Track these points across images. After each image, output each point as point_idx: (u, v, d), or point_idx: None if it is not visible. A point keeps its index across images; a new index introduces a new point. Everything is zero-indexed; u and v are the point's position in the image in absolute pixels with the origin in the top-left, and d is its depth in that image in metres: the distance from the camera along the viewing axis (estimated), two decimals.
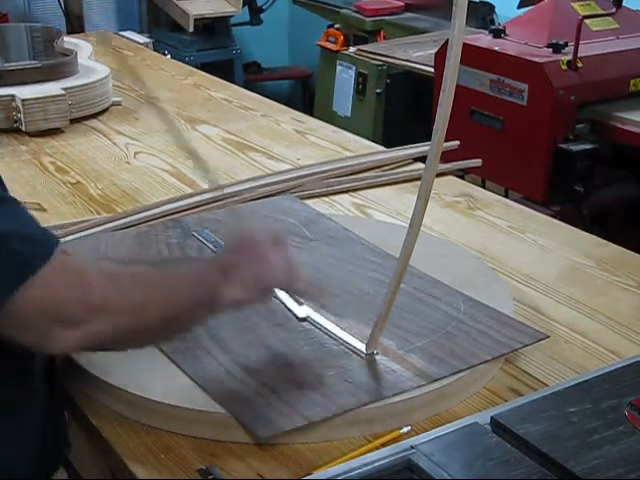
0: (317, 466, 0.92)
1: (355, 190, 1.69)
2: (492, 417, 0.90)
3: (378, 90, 3.69)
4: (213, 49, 4.61)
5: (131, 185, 1.71)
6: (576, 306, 1.28)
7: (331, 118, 3.56)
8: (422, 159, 1.82)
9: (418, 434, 0.95)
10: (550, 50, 2.58)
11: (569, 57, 2.51)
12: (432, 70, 2.96)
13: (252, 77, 4.95)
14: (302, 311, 1.17)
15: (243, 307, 1.00)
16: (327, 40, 4.21)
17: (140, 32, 4.11)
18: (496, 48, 2.66)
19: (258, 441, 0.95)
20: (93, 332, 0.89)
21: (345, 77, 3.89)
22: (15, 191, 0.97)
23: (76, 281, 0.89)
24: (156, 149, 1.91)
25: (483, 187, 2.31)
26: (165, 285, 0.97)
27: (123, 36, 3.10)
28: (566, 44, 2.55)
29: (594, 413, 0.90)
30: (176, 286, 0.97)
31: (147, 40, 3.04)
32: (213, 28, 4.59)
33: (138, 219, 1.50)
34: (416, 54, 3.39)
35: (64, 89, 2.03)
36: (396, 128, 3.58)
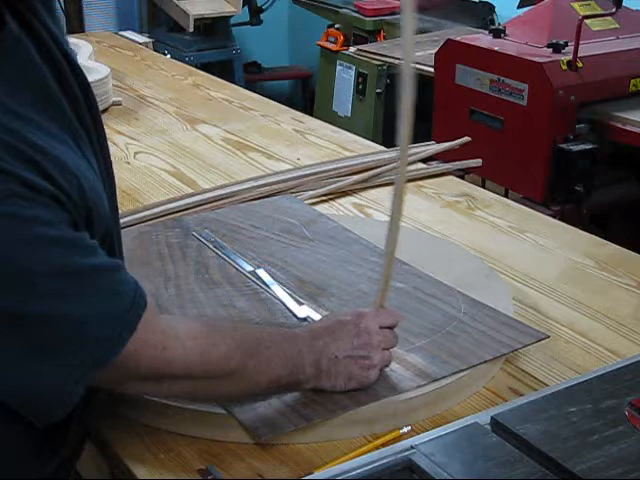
0: (317, 466, 0.92)
1: (355, 190, 1.69)
2: (492, 417, 0.90)
3: (378, 90, 3.69)
4: (213, 49, 4.61)
5: (131, 185, 1.71)
6: (576, 306, 1.28)
7: (331, 118, 3.57)
8: (423, 159, 1.82)
9: (418, 434, 0.95)
10: (550, 50, 2.58)
11: (569, 57, 2.51)
12: (432, 70, 2.96)
13: (252, 77, 4.95)
14: (302, 311, 1.17)
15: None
16: (327, 40, 4.21)
17: (140, 32, 4.11)
18: (496, 48, 2.66)
19: (258, 441, 0.95)
20: (174, 390, 0.92)
21: (345, 77, 3.89)
22: None
23: (160, 347, 0.87)
24: (156, 149, 1.91)
25: (483, 187, 2.31)
26: (263, 359, 0.95)
27: (123, 36, 3.10)
28: (566, 44, 2.55)
29: (594, 413, 0.90)
30: (272, 365, 0.95)
31: (147, 40, 3.05)
32: (213, 28, 4.59)
33: (138, 219, 1.50)
34: (416, 54, 3.38)
35: None
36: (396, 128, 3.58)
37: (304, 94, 5.15)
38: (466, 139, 1.86)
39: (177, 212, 1.53)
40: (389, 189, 1.71)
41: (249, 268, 1.29)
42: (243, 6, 4.62)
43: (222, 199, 1.59)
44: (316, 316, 1.15)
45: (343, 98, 3.94)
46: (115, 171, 1.83)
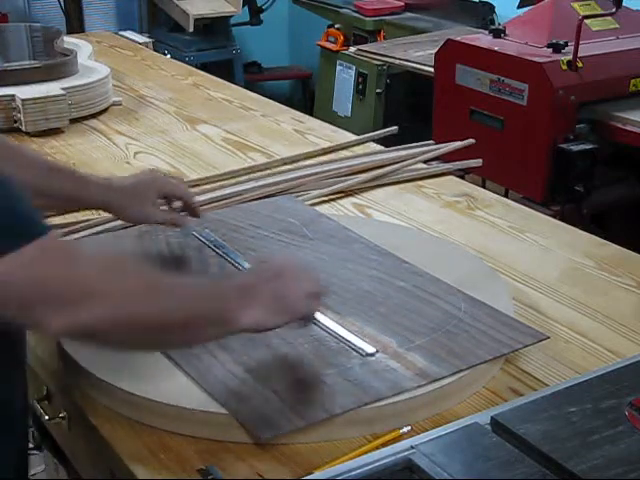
0: (317, 466, 0.92)
1: (355, 190, 1.68)
2: (492, 417, 0.90)
3: (378, 90, 3.69)
4: (213, 49, 4.61)
5: None
6: (576, 306, 1.28)
7: (331, 118, 3.56)
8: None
9: (418, 434, 0.95)
10: (550, 50, 2.58)
11: (569, 57, 2.51)
12: (432, 70, 2.96)
13: (252, 77, 4.95)
14: None
15: (265, 328, 0.97)
16: (327, 40, 4.21)
17: (140, 32, 4.11)
18: (496, 48, 2.66)
19: (258, 441, 0.95)
20: (80, 317, 0.85)
21: (345, 77, 3.89)
22: None
23: (64, 262, 0.86)
24: (156, 149, 1.91)
25: (483, 187, 2.31)
26: (171, 287, 0.94)
27: (123, 36, 3.10)
28: (566, 44, 2.55)
29: (594, 413, 0.90)
30: (183, 291, 0.94)
31: (147, 40, 3.04)
32: (213, 28, 4.59)
33: None
34: (416, 54, 3.39)
35: (64, 89, 2.03)
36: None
37: (304, 94, 5.15)
38: (470, 141, 1.85)
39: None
40: (389, 189, 1.71)
41: (249, 267, 1.29)
42: (243, 6, 4.62)
43: (222, 199, 1.59)
44: (317, 314, 1.15)
45: (343, 98, 3.94)
46: (115, 171, 1.85)
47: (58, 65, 2.17)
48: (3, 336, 0.92)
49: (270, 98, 2.34)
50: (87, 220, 1.50)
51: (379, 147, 1.93)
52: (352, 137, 1.99)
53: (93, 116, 2.12)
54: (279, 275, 0.99)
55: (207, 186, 1.67)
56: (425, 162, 1.82)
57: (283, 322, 0.98)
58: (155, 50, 3.07)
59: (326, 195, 1.65)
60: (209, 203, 1.57)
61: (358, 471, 0.84)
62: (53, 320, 0.84)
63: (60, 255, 0.86)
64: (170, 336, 0.94)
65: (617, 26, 2.77)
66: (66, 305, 0.84)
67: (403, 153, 1.81)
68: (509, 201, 1.74)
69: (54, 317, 0.84)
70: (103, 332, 0.88)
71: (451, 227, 1.53)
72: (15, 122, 2.00)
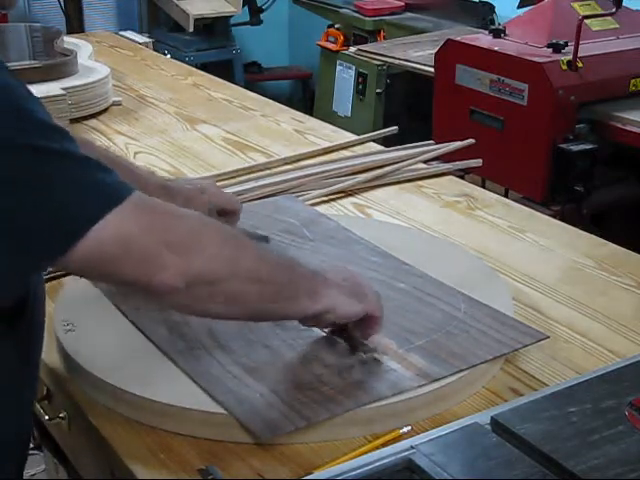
0: (317, 466, 0.92)
1: (355, 190, 1.68)
2: (492, 417, 0.90)
3: (378, 90, 3.69)
4: (213, 49, 4.61)
5: None
6: (576, 306, 1.28)
7: (331, 118, 3.57)
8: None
9: (418, 434, 0.95)
10: (550, 50, 2.58)
11: (569, 57, 2.51)
12: (432, 70, 2.97)
13: (252, 77, 4.95)
14: None
15: (343, 312, 1.02)
16: (327, 40, 4.21)
17: (140, 32, 4.11)
18: (496, 48, 2.66)
19: (258, 441, 0.95)
20: (193, 265, 0.86)
21: (345, 77, 3.89)
22: None
23: (165, 213, 0.88)
24: (156, 149, 1.91)
25: (483, 187, 2.31)
26: (263, 251, 0.99)
27: (123, 36, 3.10)
28: (566, 44, 2.55)
29: (594, 413, 0.90)
30: (272, 256, 0.99)
31: (147, 40, 3.04)
32: (213, 28, 4.59)
33: None
34: (416, 54, 3.39)
35: (64, 89, 2.03)
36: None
37: (304, 94, 5.15)
38: (470, 141, 1.85)
39: None
40: (389, 189, 1.71)
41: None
42: (243, 6, 4.63)
43: None
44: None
45: (343, 98, 3.94)
46: None
47: (58, 65, 2.17)
48: (18, 333, 0.92)
49: (270, 98, 2.34)
50: None
51: (379, 147, 1.93)
52: (352, 137, 1.99)
53: (93, 116, 2.12)
54: (350, 273, 1.06)
55: None
56: (425, 162, 1.82)
57: (359, 309, 1.02)
58: (155, 50, 3.07)
59: (326, 195, 1.65)
60: None
61: (358, 471, 0.84)
62: (171, 268, 0.85)
63: (159, 208, 0.88)
64: (271, 290, 0.95)
65: (617, 26, 2.78)
66: (182, 249, 0.86)
67: (403, 153, 1.81)
68: (509, 201, 1.74)
69: (172, 264, 0.85)
70: (217, 280, 0.89)
71: (451, 227, 1.53)
72: None
